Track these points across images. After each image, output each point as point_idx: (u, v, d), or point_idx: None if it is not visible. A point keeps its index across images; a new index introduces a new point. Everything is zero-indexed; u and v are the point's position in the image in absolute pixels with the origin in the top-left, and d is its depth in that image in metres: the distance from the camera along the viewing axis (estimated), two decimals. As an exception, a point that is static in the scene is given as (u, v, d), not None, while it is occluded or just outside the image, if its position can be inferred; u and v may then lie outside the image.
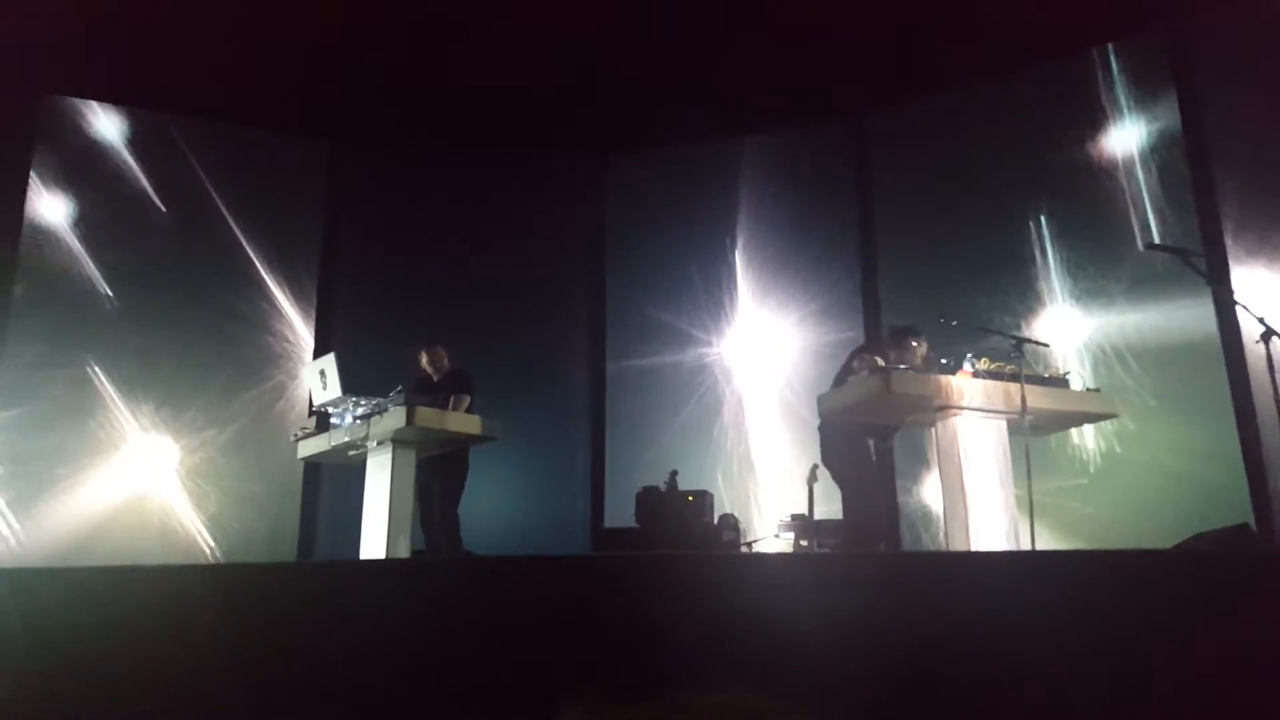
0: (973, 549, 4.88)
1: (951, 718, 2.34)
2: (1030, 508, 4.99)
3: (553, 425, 8.75)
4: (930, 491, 7.26)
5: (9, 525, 7.18)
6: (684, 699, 0.69)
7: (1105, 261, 7.12)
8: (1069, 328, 7.19)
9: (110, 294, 7.85)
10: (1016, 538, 5.06)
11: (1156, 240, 6.73)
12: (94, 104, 8.09)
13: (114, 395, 7.70)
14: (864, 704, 2.26)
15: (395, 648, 2.96)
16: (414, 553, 6.07)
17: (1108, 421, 6.37)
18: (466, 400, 6.20)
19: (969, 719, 2.34)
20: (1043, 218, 7.43)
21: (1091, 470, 6.86)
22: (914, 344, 5.61)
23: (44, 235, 7.77)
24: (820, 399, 5.71)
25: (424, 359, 6.55)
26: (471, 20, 7.46)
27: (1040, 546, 5.33)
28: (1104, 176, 7.22)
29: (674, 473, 7.15)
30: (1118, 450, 6.78)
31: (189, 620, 3.26)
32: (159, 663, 3.01)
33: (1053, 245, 7.38)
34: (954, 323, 5.85)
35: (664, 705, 0.69)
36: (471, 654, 2.88)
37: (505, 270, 8.83)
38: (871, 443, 6.11)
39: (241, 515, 7.80)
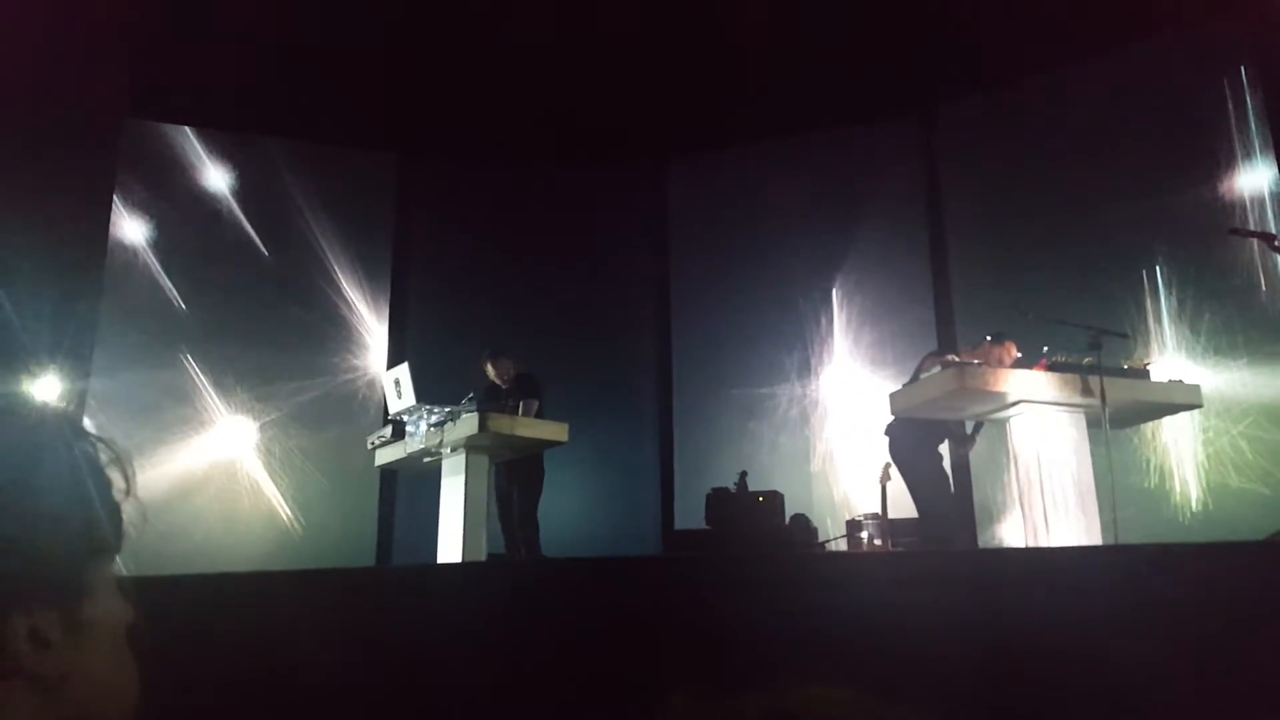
0: (1050, 545, 4.80)
1: (1034, 711, 2.32)
2: (1113, 502, 4.89)
3: (622, 428, 8.80)
4: (1008, 487, 7.13)
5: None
6: (785, 693, 0.71)
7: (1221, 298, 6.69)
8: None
9: (187, 305, 8.10)
10: (1097, 533, 4.96)
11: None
12: (172, 126, 8.37)
13: (203, 389, 7.97)
14: (948, 698, 2.25)
15: (480, 647, 3.02)
16: (491, 557, 6.15)
17: (1204, 476, 6.15)
18: (535, 404, 6.27)
19: (1052, 713, 2.32)
20: (1158, 262, 6.95)
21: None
22: (997, 347, 5.54)
23: (128, 249, 8.08)
24: (893, 396, 5.67)
25: (490, 370, 6.60)
26: (531, 28, 7.56)
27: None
28: (1219, 195, 6.77)
29: (743, 473, 7.11)
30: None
31: (277, 624, 3.37)
32: (249, 666, 3.11)
33: (1164, 278, 6.93)
34: (1029, 314, 5.76)
35: (769, 696, 0.71)
36: (554, 652, 2.93)
37: (573, 275, 8.93)
38: (945, 441, 6.07)
39: (322, 520, 8.00)
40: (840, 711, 0.66)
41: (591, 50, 7.72)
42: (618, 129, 8.73)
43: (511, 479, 6.37)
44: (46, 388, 7.43)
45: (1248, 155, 6.75)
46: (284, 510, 8.01)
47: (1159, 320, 6.94)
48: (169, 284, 8.08)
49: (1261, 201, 6.67)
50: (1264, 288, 6.53)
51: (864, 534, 6.72)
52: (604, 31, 7.52)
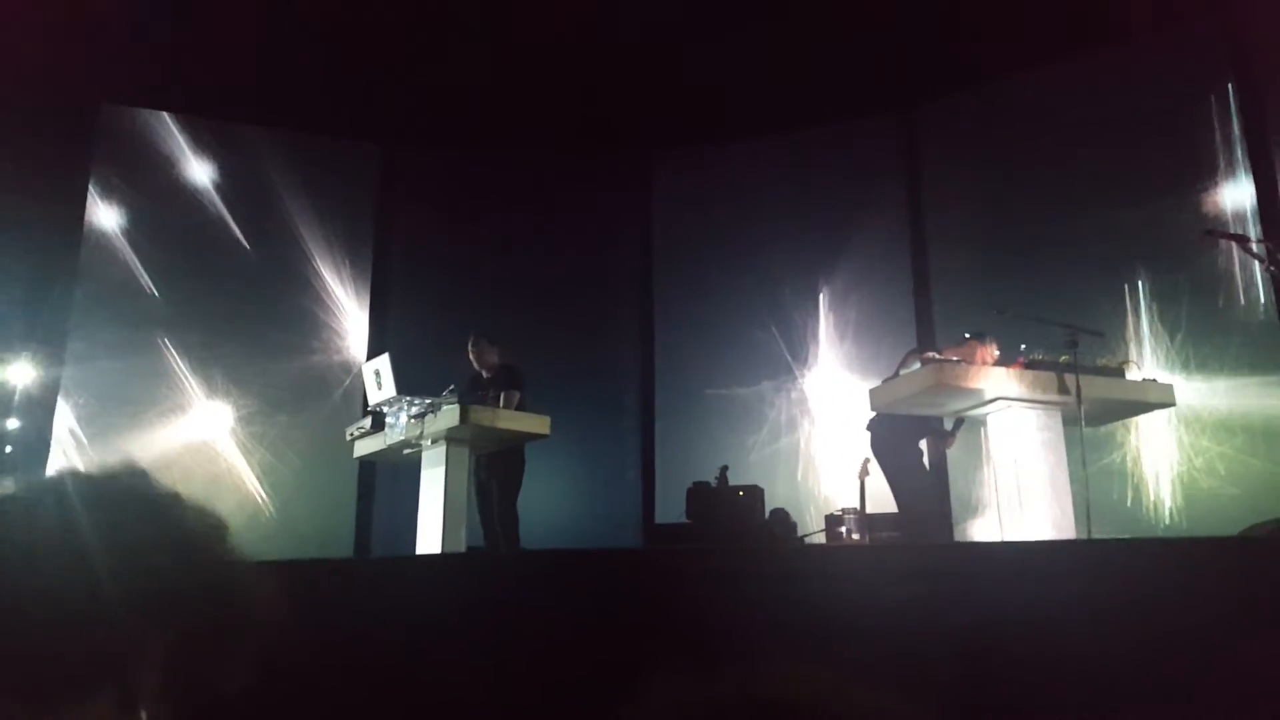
0: (1026, 540, 4.84)
1: (1007, 699, 2.35)
2: (1086, 498, 4.94)
3: (604, 421, 8.81)
4: (984, 483, 7.18)
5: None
6: (763, 675, 0.72)
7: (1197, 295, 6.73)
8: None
9: (164, 292, 8.01)
10: (1071, 528, 5.01)
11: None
12: (150, 111, 8.29)
13: (181, 377, 7.91)
14: (924, 686, 2.28)
15: (460, 639, 3.02)
16: (470, 550, 6.13)
17: (1177, 480, 6.27)
18: (516, 396, 6.23)
19: (1025, 700, 2.34)
20: (1139, 270, 6.96)
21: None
22: (978, 345, 5.58)
23: (104, 236, 7.99)
24: (873, 392, 5.70)
25: (470, 352, 6.57)
26: (516, 20, 7.54)
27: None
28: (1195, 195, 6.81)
29: (724, 468, 7.15)
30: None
31: (251, 617, 3.35)
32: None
33: (1143, 284, 6.93)
34: (1006, 312, 5.80)
35: (747, 679, 0.72)
36: (534, 644, 2.93)
37: (556, 269, 8.91)
38: (925, 439, 6.12)
39: (300, 510, 7.96)
40: (820, 692, 0.67)
41: (581, 45, 7.69)
42: (605, 124, 8.72)
43: (491, 471, 6.35)
44: (19, 374, 7.36)
45: (1230, 165, 6.79)
46: (262, 500, 7.96)
47: (1137, 324, 6.99)
48: (145, 270, 8.01)
49: (1243, 213, 6.72)
50: (1243, 301, 6.60)
51: (843, 528, 6.76)
52: (594, 27, 7.49)
